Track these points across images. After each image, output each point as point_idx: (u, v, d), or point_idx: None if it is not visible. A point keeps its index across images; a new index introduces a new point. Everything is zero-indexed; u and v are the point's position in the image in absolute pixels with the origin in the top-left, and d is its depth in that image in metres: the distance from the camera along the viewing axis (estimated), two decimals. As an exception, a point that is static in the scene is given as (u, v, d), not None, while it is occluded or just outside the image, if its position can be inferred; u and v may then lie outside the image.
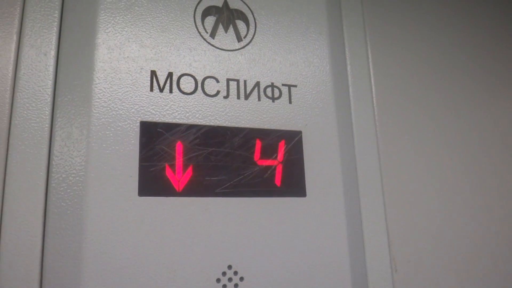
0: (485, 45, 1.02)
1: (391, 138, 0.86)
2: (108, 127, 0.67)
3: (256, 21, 0.80)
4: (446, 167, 0.90)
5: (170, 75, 0.72)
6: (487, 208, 0.91)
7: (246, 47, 0.78)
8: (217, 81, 0.75)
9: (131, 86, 0.69)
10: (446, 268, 0.84)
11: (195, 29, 0.76)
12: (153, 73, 0.71)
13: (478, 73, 0.99)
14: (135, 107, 0.69)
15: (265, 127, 0.75)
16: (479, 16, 1.04)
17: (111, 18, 0.71)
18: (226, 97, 0.74)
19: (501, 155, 0.96)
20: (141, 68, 0.71)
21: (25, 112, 0.65)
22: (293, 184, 0.75)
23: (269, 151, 0.74)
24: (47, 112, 0.66)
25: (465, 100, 0.96)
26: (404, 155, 0.87)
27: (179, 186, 0.68)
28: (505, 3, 1.08)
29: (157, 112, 0.70)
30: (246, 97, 0.76)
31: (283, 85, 0.79)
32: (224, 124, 0.73)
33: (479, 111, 0.96)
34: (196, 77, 0.73)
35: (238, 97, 0.75)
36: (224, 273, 0.68)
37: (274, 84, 0.78)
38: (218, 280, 0.67)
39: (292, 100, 0.78)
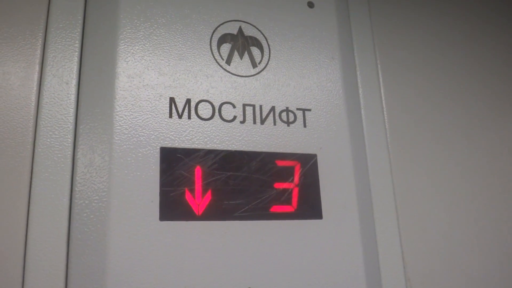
0: (496, 71, 1.03)
1: (404, 160, 0.87)
2: (129, 154, 0.68)
3: (270, 47, 0.82)
4: (459, 189, 0.91)
5: (188, 101, 0.74)
6: (499, 230, 0.91)
7: (261, 73, 0.80)
8: (234, 106, 0.76)
9: (150, 113, 0.71)
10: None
11: (212, 56, 0.78)
12: (172, 100, 0.73)
13: (489, 97, 1.00)
14: (155, 134, 0.70)
15: (281, 150, 0.77)
16: (488, 42, 1.06)
17: (131, 47, 0.73)
18: (242, 122, 0.76)
19: (512, 174, 0.97)
20: (160, 96, 0.72)
21: (48, 140, 0.66)
22: (309, 206, 0.76)
23: (285, 175, 0.75)
24: (69, 140, 0.68)
25: (476, 122, 0.97)
26: (417, 177, 0.88)
27: (198, 210, 0.69)
28: None
29: (176, 138, 0.71)
30: (262, 121, 0.77)
31: (297, 109, 0.80)
32: (241, 149, 0.74)
33: (491, 136, 0.97)
34: (213, 103, 0.75)
35: (254, 122, 0.77)
36: (244, 296, 0.69)
37: (289, 109, 0.79)
38: (238, 303, 0.68)
39: (306, 124, 0.80)
